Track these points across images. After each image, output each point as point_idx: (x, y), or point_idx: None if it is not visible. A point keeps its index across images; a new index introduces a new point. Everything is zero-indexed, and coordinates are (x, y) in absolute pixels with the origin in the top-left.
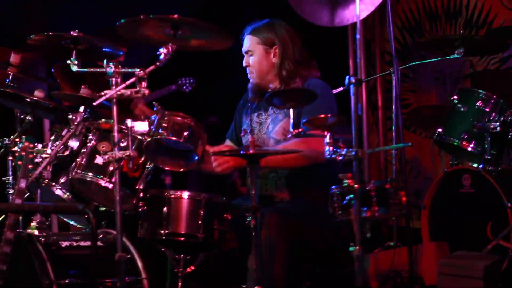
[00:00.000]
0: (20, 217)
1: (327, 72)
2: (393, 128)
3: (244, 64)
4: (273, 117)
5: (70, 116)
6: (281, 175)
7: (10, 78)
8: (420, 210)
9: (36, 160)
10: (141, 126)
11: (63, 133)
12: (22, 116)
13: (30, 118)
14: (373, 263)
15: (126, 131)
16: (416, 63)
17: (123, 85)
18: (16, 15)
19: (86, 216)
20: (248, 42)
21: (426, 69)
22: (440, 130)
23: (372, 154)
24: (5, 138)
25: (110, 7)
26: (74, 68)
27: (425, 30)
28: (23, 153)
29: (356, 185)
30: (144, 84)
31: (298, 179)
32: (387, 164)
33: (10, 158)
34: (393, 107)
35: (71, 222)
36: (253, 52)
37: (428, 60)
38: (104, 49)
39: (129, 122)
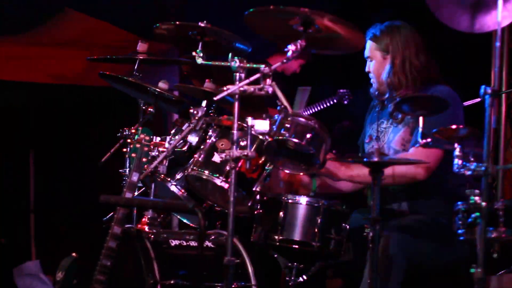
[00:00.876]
0: (135, 211)
1: (468, 81)
2: None
3: (366, 69)
4: (394, 127)
5: (191, 110)
6: (401, 187)
7: (136, 67)
8: None
9: (153, 153)
10: (261, 125)
11: (184, 128)
12: (144, 107)
13: (152, 109)
14: (497, 286)
15: (247, 129)
16: None
17: (247, 80)
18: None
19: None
20: (368, 47)
21: None
22: None
23: (508, 171)
24: (126, 129)
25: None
26: (199, 61)
27: None
28: (138, 146)
29: (483, 203)
30: (268, 81)
31: (418, 192)
32: None
33: (124, 149)
34: None
35: (185, 220)
36: (372, 58)
37: None
38: (232, 43)
39: (249, 120)
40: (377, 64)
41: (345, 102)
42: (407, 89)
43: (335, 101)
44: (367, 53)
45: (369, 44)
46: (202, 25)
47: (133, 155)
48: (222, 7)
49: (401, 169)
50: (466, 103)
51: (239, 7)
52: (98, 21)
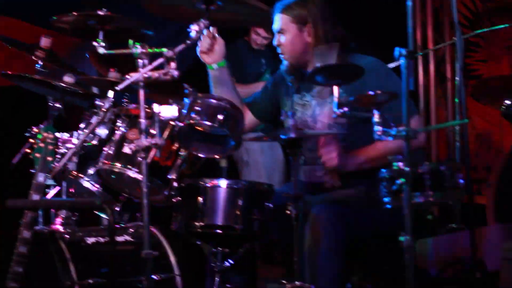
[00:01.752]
0: (52, 212)
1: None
2: (456, 100)
3: (275, 43)
4: (320, 100)
5: (98, 102)
6: None
7: (40, 63)
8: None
9: (61, 150)
10: (169, 111)
11: (92, 121)
12: (52, 104)
13: (59, 105)
14: (434, 248)
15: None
16: (482, 30)
17: (150, 66)
18: None
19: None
20: (280, 20)
21: (497, 37)
22: (508, 102)
23: (441, 131)
24: (34, 127)
25: None
26: (101, 51)
27: None
28: (41, 145)
29: (407, 168)
30: (173, 64)
31: None
32: (454, 139)
33: (28, 150)
34: (456, 78)
35: (103, 215)
36: (285, 31)
37: (497, 27)
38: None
39: (155, 107)
40: (291, 37)
41: None
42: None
43: None
44: (277, 26)
45: (280, 17)
46: (101, 13)
47: (38, 155)
48: None
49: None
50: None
51: None
52: (7, 18)
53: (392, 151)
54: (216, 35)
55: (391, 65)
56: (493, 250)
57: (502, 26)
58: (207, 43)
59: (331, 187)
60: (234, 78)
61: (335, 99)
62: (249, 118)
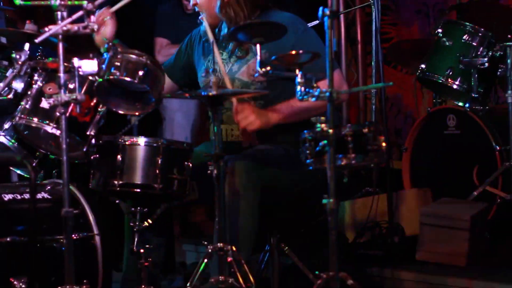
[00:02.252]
0: None
1: (304, 4)
2: (373, 64)
3: (191, 3)
4: (238, 57)
5: (14, 55)
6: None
7: None
8: (401, 150)
9: None
10: (89, 66)
11: (8, 74)
12: None
13: None
14: (350, 212)
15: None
16: None
17: (69, 19)
18: None
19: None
20: None
21: (408, 0)
22: (423, 66)
23: (351, 94)
24: None
25: None
26: (17, 1)
27: None
28: None
29: (330, 130)
30: (93, 18)
31: None
32: (366, 102)
33: None
34: (373, 41)
35: (19, 172)
36: None
37: None
38: None
39: (75, 61)
40: None
41: None
42: (236, 22)
43: None
44: None
45: None
46: None
47: None
48: None
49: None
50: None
51: None
52: None
53: (311, 107)
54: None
55: (311, 24)
56: (411, 214)
57: None
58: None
59: (249, 146)
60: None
61: (258, 58)
62: (167, 83)
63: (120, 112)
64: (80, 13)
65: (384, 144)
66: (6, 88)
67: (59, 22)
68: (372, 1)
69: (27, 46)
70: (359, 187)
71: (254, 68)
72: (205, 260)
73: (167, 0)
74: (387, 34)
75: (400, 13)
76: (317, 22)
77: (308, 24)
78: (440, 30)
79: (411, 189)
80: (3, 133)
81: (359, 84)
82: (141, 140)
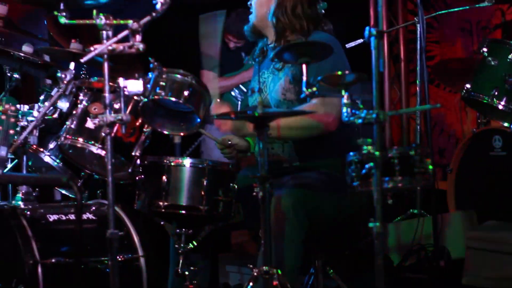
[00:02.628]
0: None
1: (348, 23)
2: (417, 83)
3: (249, 2)
4: (274, 75)
5: (59, 74)
6: (289, 143)
7: None
8: (446, 171)
9: (22, 123)
10: (134, 86)
11: (53, 93)
12: (10, 74)
13: (17, 76)
14: (395, 234)
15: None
16: (441, 12)
17: (115, 39)
18: None
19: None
20: None
21: (451, 18)
22: (468, 86)
23: (393, 108)
24: None
25: None
26: (62, 20)
27: None
28: (3, 117)
29: (377, 152)
30: (138, 37)
31: (307, 143)
32: (410, 122)
33: None
34: (417, 61)
35: (63, 192)
36: None
37: (455, 9)
38: None
39: (121, 81)
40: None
41: None
42: (282, 35)
43: None
44: None
45: None
46: None
47: None
48: None
49: (313, 118)
50: (348, 45)
51: None
52: None
53: (292, 125)
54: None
55: (351, 44)
56: (456, 237)
57: (461, 8)
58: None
59: (289, 165)
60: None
61: (304, 78)
62: None
63: (165, 132)
64: (125, 32)
65: (431, 166)
66: (52, 108)
67: (104, 41)
68: (416, 20)
69: (72, 65)
70: (403, 208)
71: (284, 86)
72: (251, 284)
73: None
74: (430, 52)
75: (443, 31)
76: (361, 41)
77: (349, 44)
78: (485, 49)
79: (456, 211)
80: (49, 153)
81: (402, 103)
82: (187, 161)
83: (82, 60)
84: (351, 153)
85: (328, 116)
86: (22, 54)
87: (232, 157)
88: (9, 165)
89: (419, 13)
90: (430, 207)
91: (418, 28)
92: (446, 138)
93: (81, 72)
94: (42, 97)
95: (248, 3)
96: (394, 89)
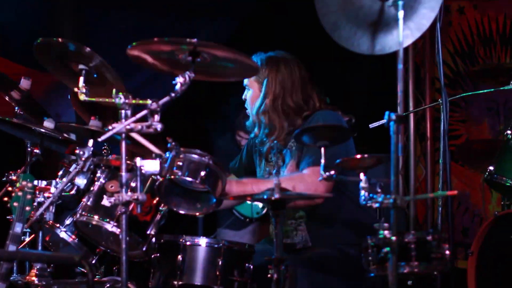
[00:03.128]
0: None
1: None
2: (440, 163)
3: (243, 96)
4: (285, 159)
5: (77, 151)
6: (300, 221)
7: (18, 105)
8: (467, 254)
9: (39, 199)
10: (151, 166)
11: (71, 169)
12: (30, 149)
13: (37, 150)
14: None
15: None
16: (466, 94)
17: (133, 118)
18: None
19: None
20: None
21: (478, 98)
22: (491, 168)
23: (419, 186)
24: (11, 172)
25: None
26: (82, 97)
27: (479, 56)
28: (19, 194)
29: (393, 237)
30: (157, 117)
31: (319, 224)
32: (434, 200)
33: (6, 198)
34: (441, 143)
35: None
36: (250, 87)
37: (480, 92)
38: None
39: (138, 161)
40: (253, 94)
41: None
42: (279, 125)
43: None
44: (246, 81)
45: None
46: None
47: (16, 204)
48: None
49: (299, 188)
50: (372, 125)
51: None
52: None
53: None
54: None
55: (374, 124)
56: None
57: (487, 90)
58: None
59: (303, 246)
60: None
61: (323, 161)
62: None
63: (181, 212)
64: (144, 112)
65: (448, 252)
66: (69, 184)
67: (123, 120)
68: (440, 101)
69: (90, 142)
70: None
71: (292, 171)
72: None
73: (222, 135)
74: (456, 131)
75: (469, 110)
76: (382, 121)
77: (373, 124)
78: (509, 132)
79: None
80: (64, 229)
81: (427, 181)
82: (203, 241)
83: (99, 139)
84: (368, 237)
85: (316, 188)
86: (43, 130)
87: None
88: (27, 239)
89: (443, 96)
90: None
91: (442, 111)
92: (470, 218)
93: (103, 148)
94: (60, 173)
95: (243, 98)
96: (421, 167)
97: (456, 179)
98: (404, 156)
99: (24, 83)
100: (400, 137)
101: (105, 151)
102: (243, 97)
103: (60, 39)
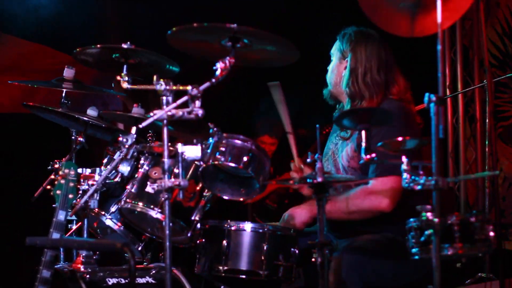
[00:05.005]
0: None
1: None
2: (486, 144)
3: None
4: (342, 141)
5: (120, 139)
6: None
7: (63, 94)
8: None
9: (83, 187)
10: (192, 151)
11: (115, 157)
12: (74, 137)
13: (82, 139)
14: None
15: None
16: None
17: (174, 104)
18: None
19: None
20: (334, 45)
21: None
22: None
23: (469, 169)
24: (56, 160)
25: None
26: (124, 85)
27: None
28: (62, 182)
29: (436, 219)
30: (198, 103)
31: None
32: (485, 183)
33: (48, 186)
34: (487, 123)
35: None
36: (333, 57)
37: None
38: (160, 64)
39: (179, 147)
40: (334, 64)
41: None
42: (365, 102)
43: None
44: (332, 49)
45: (336, 42)
46: (125, 46)
47: (58, 192)
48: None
49: (364, 205)
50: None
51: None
52: (33, 44)
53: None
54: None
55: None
56: None
57: None
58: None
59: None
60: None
61: (363, 144)
62: None
63: (225, 197)
64: (185, 98)
65: (492, 233)
66: (114, 171)
67: (164, 107)
68: (485, 82)
69: (133, 129)
70: (473, 271)
71: (349, 153)
72: None
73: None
74: (506, 113)
75: None
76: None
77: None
78: None
79: None
80: (110, 216)
81: (477, 163)
82: (247, 226)
83: (140, 126)
84: (411, 220)
85: (381, 202)
86: (86, 118)
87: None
88: (74, 227)
89: (487, 77)
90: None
91: (488, 91)
92: None
93: (148, 135)
94: (105, 161)
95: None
96: (471, 150)
97: (506, 160)
98: (454, 139)
99: (68, 72)
100: (441, 119)
101: (150, 138)
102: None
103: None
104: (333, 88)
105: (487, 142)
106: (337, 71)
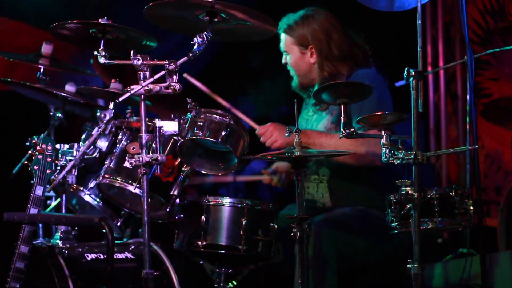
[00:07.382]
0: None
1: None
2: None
3: (282, 61)
4: (318, 115)
5: (98, 114)
6: (323, 178)
7: (41, 70)
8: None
9: (61, 162)
10: (170, 126)
11: (93, 133)
12: (53, 113)
13: (60, 115)
14: (442, 274)
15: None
16: (493, 50)
17: (151, 79)
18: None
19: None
20: (283, 40)
21: (510, 56)
22: None
23: (450, 145)
24: (34, 137)
25: None
26: (102, 60)
27: (509, 14)
28: (40, 157)
29: (415, 194)
30: (175, 78)
31: (343, 183)
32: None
33: (26, 162)
34: (468, 99)
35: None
36: (289, 52)
37: (509, 47)
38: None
39: (156, 122)
40: (295, 58)
41: None
42: (339, 79)
43: None
44: (283, 47)
45: (284, 38)
46: (102, 22)
47: (36, 167)
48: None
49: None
50: (398, 84)
51: None
52: (11, 21)
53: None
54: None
55: (400, 82)
56: (505, 278)
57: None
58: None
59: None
60: None
61: (342, 118)
62: None
63: (203, 172)
64: (162, 73)
65: (471, 207)
66: (92, 147)
67: (141, 82)
68: (466, 58)
69: (111, 105)
70: (454, 247)
71: (326, 126)
72: None
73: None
74: (487, 90)
75: (501, 68)
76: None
77: (399, 83)
78: None
79: (506, 251)
80: (89, 192)
81: (459, 140)
82: (226, 201)
83: (117, 101)
84: (390, 195)
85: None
86: (64, 94)
87: (283, 183)
88: (53, 203)
89: (468, 53)
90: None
91: (468, 67)
92: (503, 176)
93: (127, 111)
94: (83, 136)
95: (282, 62)
96: (453, 127)
97: (489, 137)
98: (435, 116)
99: (46, 48)
100: (421, 94)
101: (129, 113)
102: (283, 61)
103: None
104: (302, 79)
105: (467, 119)
106: (303, 62)
